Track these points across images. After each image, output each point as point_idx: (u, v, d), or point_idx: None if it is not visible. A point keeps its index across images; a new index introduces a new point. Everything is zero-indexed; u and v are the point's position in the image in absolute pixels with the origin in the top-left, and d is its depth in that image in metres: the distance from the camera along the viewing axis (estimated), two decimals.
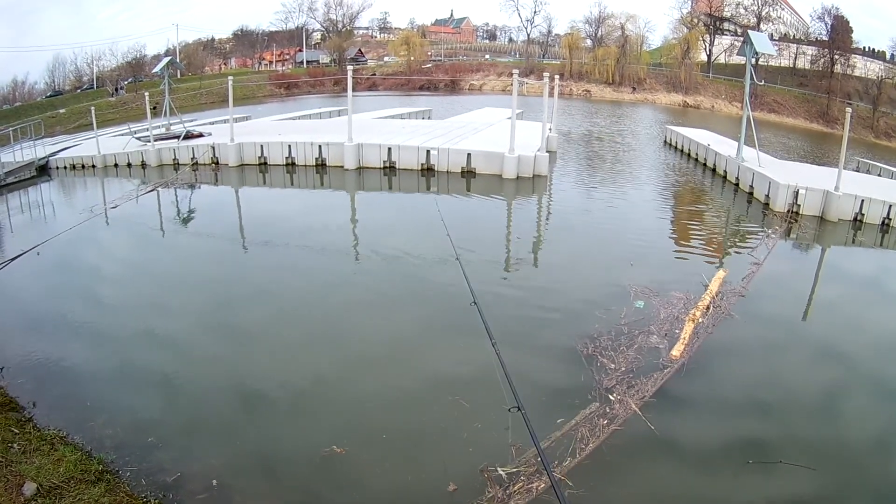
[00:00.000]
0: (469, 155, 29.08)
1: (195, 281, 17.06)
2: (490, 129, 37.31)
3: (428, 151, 29.39)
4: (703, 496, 9.72)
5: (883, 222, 23.21)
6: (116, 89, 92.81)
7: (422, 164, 29.52)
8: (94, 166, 34.48)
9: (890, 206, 23.16)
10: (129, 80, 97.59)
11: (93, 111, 38.90)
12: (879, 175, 34.25)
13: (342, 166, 29.89)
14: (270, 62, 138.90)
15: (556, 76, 40.92)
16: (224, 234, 20.99)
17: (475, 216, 23.48)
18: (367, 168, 29.98)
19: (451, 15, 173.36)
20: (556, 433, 10.51)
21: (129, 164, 33.65)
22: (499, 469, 9.59)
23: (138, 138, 36.41)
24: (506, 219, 23.66)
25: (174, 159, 32.99)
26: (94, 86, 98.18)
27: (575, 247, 20.24)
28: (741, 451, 10.48)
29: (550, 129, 34.08)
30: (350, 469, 9.61)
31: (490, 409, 10.94)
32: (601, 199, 27.26)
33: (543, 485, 9.29)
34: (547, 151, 29.90)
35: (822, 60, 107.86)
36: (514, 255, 19.36)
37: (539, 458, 9.77)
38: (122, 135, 40.02)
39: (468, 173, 28.96)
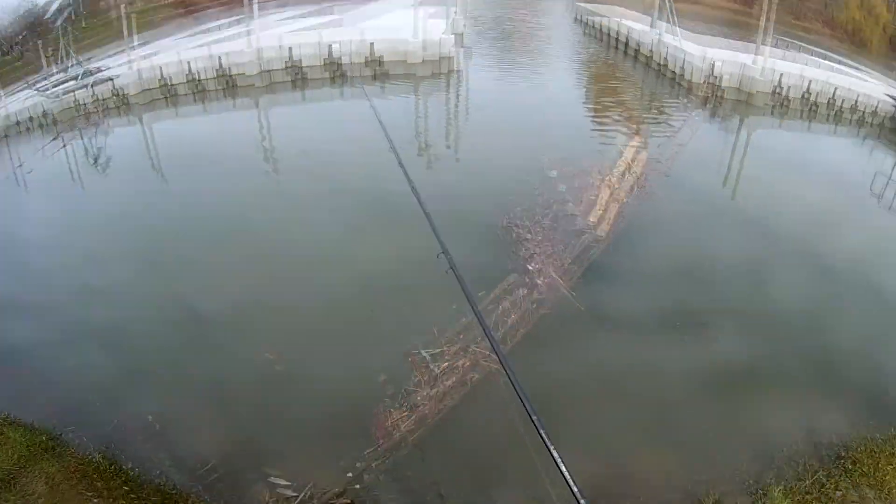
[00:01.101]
0: (372, 45, 28.25)
1: (120, 224, 16.48)
2: (393, 16, 35.94)
3: (330, 46, 28.32)
4: (631, 358, 10.04)
5: (802, 97, 23.20)
6: (11, 46, 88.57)
7: (324, 60, 28.41)
8: None
9: (809, 82, 23.14)
10: (24, 33, 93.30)
11: None
12: (799, 52, 34.20)
13: (244, 73, 28.57)
14: None
15: None
16: (141, 170, 20.37)
17: (386, 108, 22.81)
18: (272, 71, 28.56)
19: None
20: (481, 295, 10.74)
21: (30, 118, 32.14)
22: (423, 351, 9.63)
23: (38, 90, 34.89)
24: (420, 105, 23.55)
25: (76, 103, 31.47)
26: None
27: (490, 127, 20.24)
28: (669, 316, 10.90)
29: (456, 13, 33.24)
30: (284, 375, 9.78)
31: (416, 292, 11.35)
32: (514, 79, 27.14)
33: (469, 361, 9.37)
34: (453, 34, 29.48)
35: None
36: (431, 139, 19.38)
37: (461, 336, 9.89)
38: (21, 90, 38.39)
39: (373, 63, 28.17)
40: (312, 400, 9.28)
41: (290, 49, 28.13)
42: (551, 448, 4.78)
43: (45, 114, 29.66)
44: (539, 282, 11.48)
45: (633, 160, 16.56)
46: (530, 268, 11.83)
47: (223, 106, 27.28)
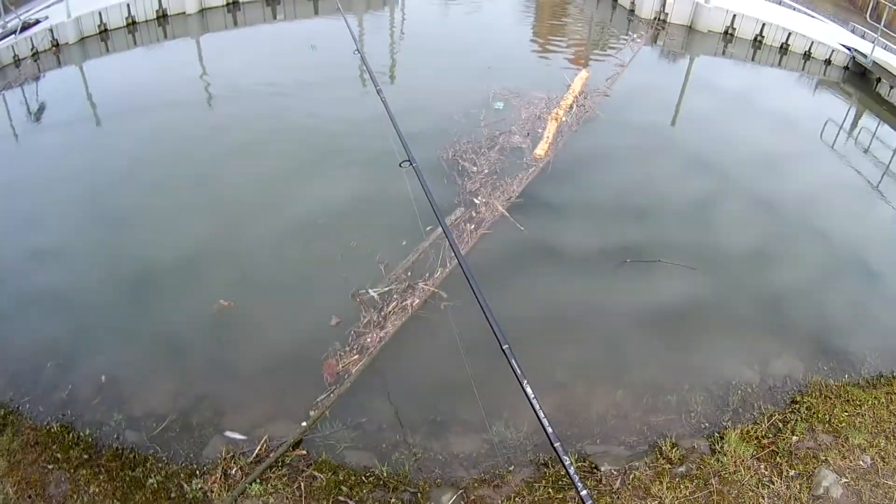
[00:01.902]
0: None
1: (63, 176, 16.11)
2: None
3: None
4: (581, 294, 10.11)
5: (755, 39, 23.07)
6: None
7: None
8: None
9: (763, 24, 22.99)
10: None
11: None
12: None
13: (184, 12, 28.00)
14: None
15: None
16: (80, 120, 19.86)
17: (327, 38, 22.63)
18: (210, 8, 27.98)
19: None
20: (423, 244, 10.84)
21: None
22: (370, 291, 9.69)
23: None
24: (359, 36, 23.06)
25: (14, 56, 30.94)
26: None
27: (433, 59, 20.06)
28: (618, 252, 10.98)
29: None
30: (238, 322, 9.78)
31: (356, 229, 11.43)
32: (456, 7, 26.65)
33: (417, 300, 9.49)
34: None
35: None
36: (372, 68, 19.06)
37: (409, 274, 9.96)
38: None
39: None
40: (264, 350, 9.23)
41: None
42: (524, 383, 4.76)
43: None
44: (485, 214, 11.54)
45: (579, 92, 16.52)
46: (476, 201, 11.86)
47: (161, 44, 26.72)
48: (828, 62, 22.09)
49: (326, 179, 13.33)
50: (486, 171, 12.76)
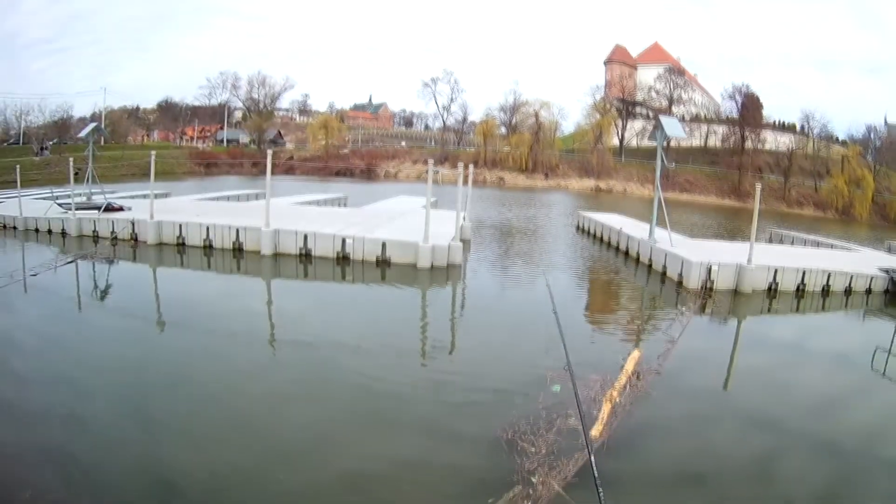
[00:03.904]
0: (384, 244, 29.19)
1: (111, 360, 16.56)
2: (404, 217, 37.65)
3: (343, 240, 29.44)
4: None
5: (798, 288, 24.07)
6: (42, 148, 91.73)
7: (337, 253, 29.51)
8: (15, 227, 34.29)
9: (803, 272, 24.01)
10: (55, 140, 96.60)
11: (17, 170, 38.51)
12: (793, 244, 35.48)
13: (259, 251, 29.74)
14: (192, 138, 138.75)
15: (471, 164, 41.50)
16: (140, 314, 20.55)
17: (390, 305, 23.50)
18: (284, 254, 29.84)
19: (370, 100, 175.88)
20: None
21: (49, 231, 33.21)
22: None
23: (60, 204, 35.93)
24: (421, 308, 23.74)
25: (94, 231, 32.53)
26: (21, 141, 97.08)
27: (491, 334, 20.30)
28: None
29: (465, 218, 34.43)
30: None
31: (414, 498, 11.16)
32: (516, 285, 27.76)
33: None
34: (461, 240, 30.39)
35: (733, 138, 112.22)
36: (430, 343, 19.36)
37: None
38: (45, 198, 39.53)
39: (383, 262, 29.01)
40: None
41: (306, 237, 29.56)
42: None
43: (63, 231, 30.77)
44: (542, 493, 11.50)
45: (632, 372, 16.78)
46: (533, 479, 11.86)
47: (232, 274, 28.26)
48: (868, 291, 22.82)
49: (375, 438, 13.23)
50: (544, 451, 12.80)
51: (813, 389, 16.13)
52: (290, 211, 38.99)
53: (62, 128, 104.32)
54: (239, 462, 12.05)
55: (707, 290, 24.72)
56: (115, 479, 11.27)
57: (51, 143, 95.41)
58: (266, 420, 13.82)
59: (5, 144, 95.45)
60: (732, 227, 44.59)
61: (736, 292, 24.53)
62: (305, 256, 29.84)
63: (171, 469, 11.62)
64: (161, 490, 11.00)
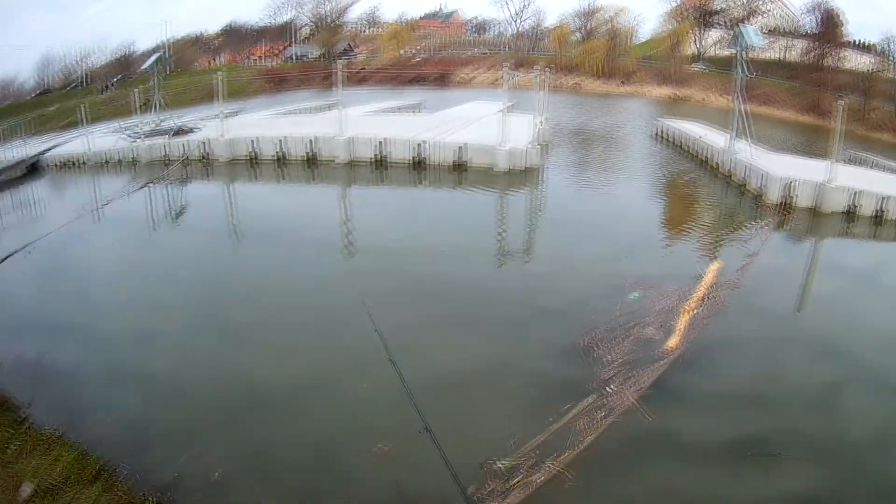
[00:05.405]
0: (461, 148, 28.81)
1: (188, 278, 16.91)
2: (481, 121, 36.76)
3: (419, 144, 29.16)
4: (702, 488, 9.70)
5: (876, 214, 23.03)
6: (106, 86, 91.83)
7: (413, 158, 29.26)
8: (84, 163, 33.91)
9: (883, 198, 23.01)
10: (119, 77, 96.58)
11: (82, 109, 38.47)
12: (871, 168, 34.13)
13: (333, 160, 29.69)
14: (260, 57, 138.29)
15: (547, 69, 40.58)
16: (216, 231, 20.85)
17: (468, 209, 23.47)
18: (359, 162, 29.72)
19: (441, 9, 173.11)
20: (554, 424, 10.46)
21: (119, 161, 33.18)
22: (498, 462, 9.56)
23: (128, 135, 36.04)
24: (498, 212, 23.61)
25: (165, 155, 32.62)
26: (84, 83, 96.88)
27: (568, 239, 20.08)
28: (740, 443, 10.44)
29: (542, 122, 33.77)
30: (346, 466, 9.66)
31: (492, 399, 11.27)
32: (593, 191, 27.28)
33: (543, 477, 9.26)
34: (538, 144, 29.68)
35: (812, 54, 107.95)
36: (508, 247, 19.29)
37: (537, 451, 9.82)
38: (113, 132, 39.60)
39: (459, 166, 28.72)
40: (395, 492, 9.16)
41: (381, 143, 29.07)
42: None
43: (133, 160, 30.83)
44: (616, 402, 11.39)
45: (711, 285, 16.44)
46: (608, 389, 11.75)
47: (307, 184, 28.51)
48: None
49: (455, 341, 13.35)
50: (620, 360, 12.63)
51: (886, 324, 15.44)
52: (363, 119, 38.32)
53: (125, 64, 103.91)
54: (318, 368, 12.36)
55: (786, 207, 23.92)
56: (196, 392, 11.64)
57: (115, 79, 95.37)
58: (343, 326, 14.02)
59: (68, 88, 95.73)
60: (810, 144, 42.85)
61: (814, 211, 23.67)
62: (380, 162, 29.71)
63: (253, 377, 11.95)
64: (241, 400, 11.30)
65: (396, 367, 11.43)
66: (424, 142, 29.32)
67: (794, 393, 12.18)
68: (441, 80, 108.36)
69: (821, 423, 11.40)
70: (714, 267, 17.44)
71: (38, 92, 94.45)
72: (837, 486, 9.89)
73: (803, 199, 23.96)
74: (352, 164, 29.67)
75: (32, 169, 33.41)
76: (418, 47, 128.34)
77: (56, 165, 34.04)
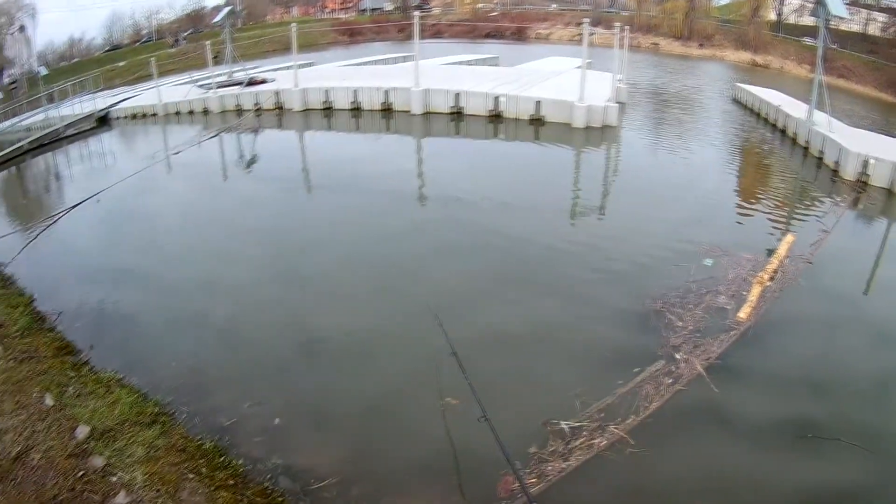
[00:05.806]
0: (538, 102, 28.28)
1: (257, 227, 17.01)
2: (559, 77, 36.13)
3: (497, 98, 28.78)
4: (757, 466, 9.41)
5: None
6: (176, 41, 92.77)
7: (489, 111, 28.89)
8: (154, 115, 34.59)
9: None
10: (190, 31, 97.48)
11: (153, 62, 38.95)
12: None
13: (408, 111, 29.57)
14: (333, 10, 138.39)
15: (626, 27, 39.90)
16: (288, 180, 20.95)
17: (543, 165, 23.17)
18: (434, 113, 29.52)
19: None
20: (621, 389, 10.28)
21: (190, 112, 33.51)
22: (562, 423, 9.42)
23: (200, 86, 36.39)
24: (574, 169, 23.25)
25: (237, 105, 32.86)
26: (153, 39, 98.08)
27: (642, 200, 19.66)
28: (798, 425, 10.09)
29: (620, 80, 33.12)
30: (407, 422, 9.59)
31: (560, 359, 11.15)
32: (669, 153, 26.59)
33: (605, 441, 9.09)
34: (617, 102, 29.04)
35: (894, 28, 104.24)
36: (581, 205, 19.00)
37: (602, 414, 9.64)
38: (184, 83, 39.98)
39: (536, 121, 28.23)
40: (442, 452, 8.99)
41: (457, 95, 28.82)
42: None
43: (205, 110, 31.08)
44: (683, 370, 11.14)
45: (784, 257, 15.96)
46: (677, 356, 11.49)
47: (381, 134, 28.58)
48: None
49: (523, 298, 13.14)
50: (691, 327, 12.35)
51: None
52: (439, 71, 38.26)
53: (195, 19, 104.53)
54: (386, 321, 12.30)
55: (861, 184, 23.02)
56: (267, 340, 11.70)
57: (186, 34, 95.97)
58: (412, 278, 14.01)
59: (138, 44, 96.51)
60: (890, 122, 41.41)
61: (890, 192, 22.72)
62: (457, 115, 29.48)
63: (320, 328, 11.98)
64: (305, 350, 11.33)
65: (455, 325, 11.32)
66: (502, 95, 28.95)
67: (850, 381, 11.63)
68: (517, 35, 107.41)
69: (881, 414, 10.84)
70: (788, 239, 16.91)
71: (107, 48, 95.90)
72: (894, 478, 9.45)
73: (879, 178, 22.93)
74: (427, 116, 29.57)
75: (102, 121, 33.99)
76: (495, 2, 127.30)
77: (126, 117, 34.57)
